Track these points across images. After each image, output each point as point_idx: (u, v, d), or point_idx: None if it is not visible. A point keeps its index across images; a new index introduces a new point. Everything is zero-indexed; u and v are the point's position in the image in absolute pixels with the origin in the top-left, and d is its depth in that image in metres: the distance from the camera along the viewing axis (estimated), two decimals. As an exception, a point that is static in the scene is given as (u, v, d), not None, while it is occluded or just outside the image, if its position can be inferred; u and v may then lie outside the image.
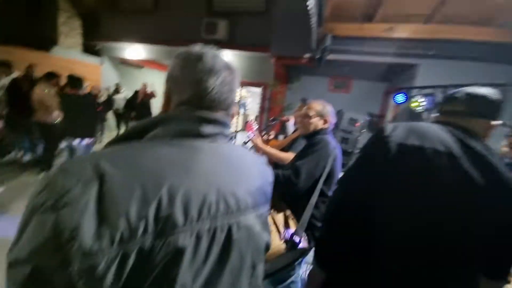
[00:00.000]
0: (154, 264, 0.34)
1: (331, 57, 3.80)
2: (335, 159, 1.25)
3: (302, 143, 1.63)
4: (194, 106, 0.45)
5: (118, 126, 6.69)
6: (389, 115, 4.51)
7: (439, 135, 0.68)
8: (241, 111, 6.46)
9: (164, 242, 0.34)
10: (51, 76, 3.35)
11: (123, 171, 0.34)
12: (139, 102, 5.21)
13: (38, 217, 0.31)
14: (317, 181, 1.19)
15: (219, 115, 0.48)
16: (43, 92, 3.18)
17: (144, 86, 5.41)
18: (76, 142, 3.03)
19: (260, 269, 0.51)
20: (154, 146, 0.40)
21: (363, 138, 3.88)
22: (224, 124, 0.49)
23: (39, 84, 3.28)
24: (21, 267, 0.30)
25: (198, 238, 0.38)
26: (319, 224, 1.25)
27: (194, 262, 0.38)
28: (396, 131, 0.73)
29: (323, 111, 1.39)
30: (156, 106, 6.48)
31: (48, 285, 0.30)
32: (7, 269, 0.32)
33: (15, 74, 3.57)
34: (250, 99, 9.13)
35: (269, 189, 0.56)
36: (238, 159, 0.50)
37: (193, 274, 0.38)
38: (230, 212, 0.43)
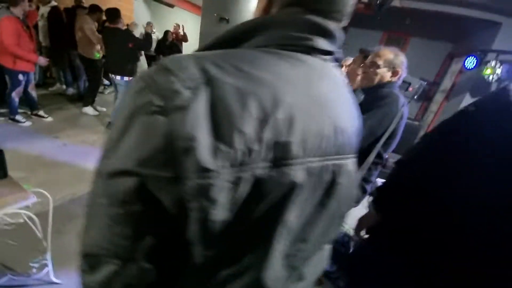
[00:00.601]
0: (266, 196, 0.29)
1: (396, 3, 3.16)
2: (401, 119, 1.09)
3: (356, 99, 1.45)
4: (306, 9, 0.34)
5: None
6: (446, 83, 3.91)
7: None
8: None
9: (280, 173, 0.29)
10: (94, 9, 3.24)
11: (234, 79, 0.27)
12: (168, 44, 5.00)
13: (143, 119, 0.25)
14: (377, 140, 1.06)
15: (335, 26, 0.36)
16: (86, 25, 3.12)
17: (177, 26, 5.14)
18: (118, 78, 3.03)
19: (344, 220, 0.45)
20: (262, 55, 0.31)
21: (411, 106, 3.47)
22: (337, 41, 0.37)
23: (82, 17, 3.21)
24: (124, 179, 0.26)
25: (309, 175, 0.32)
26: (367, 187, 1.17)
27: (302, 200, 0.33)
28: None
29: (394, 61, 1.16)
30: (186, 48, 6.25)
31: (154, 202, 0.26)
32: (103, 180, 0.28)
33: (53, 3, 3.50)
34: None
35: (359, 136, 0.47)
36: (346, 93, 0.41)
37: (298, 213, 0.33)
38: (340, 152, 0.36)
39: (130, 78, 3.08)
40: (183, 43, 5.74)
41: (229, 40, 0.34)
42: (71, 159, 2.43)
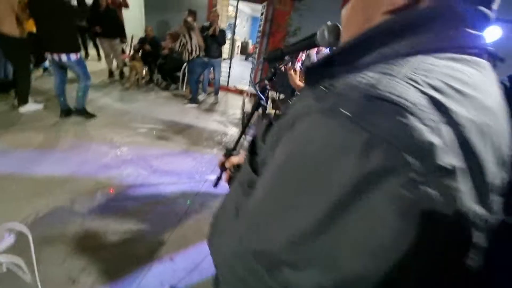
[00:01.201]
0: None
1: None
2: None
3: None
4: None
5: (84, 45, 5.50)
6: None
7: None
8: (228, 35, 5.46)
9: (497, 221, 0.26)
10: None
11: (464, 109, 0.20)
12: (103, 12, 4.08)
13: (392, 192, 0.18)
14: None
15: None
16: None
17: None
18: (64, 58, 2.41)
19: None
20: (460, 67, 0.24)
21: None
22: None
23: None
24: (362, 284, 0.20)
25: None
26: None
27: None
28: None
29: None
30: (129, 18, 5.20)
31: None
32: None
33: None
34: (238, 20, 7.79)
35: None
36: None
37: None
38: None
39: (78, 54, 2.48)
40: (123, 8, 4.77)
41: (383, 36, 0.26)
42: (19, 169, 1.94)
